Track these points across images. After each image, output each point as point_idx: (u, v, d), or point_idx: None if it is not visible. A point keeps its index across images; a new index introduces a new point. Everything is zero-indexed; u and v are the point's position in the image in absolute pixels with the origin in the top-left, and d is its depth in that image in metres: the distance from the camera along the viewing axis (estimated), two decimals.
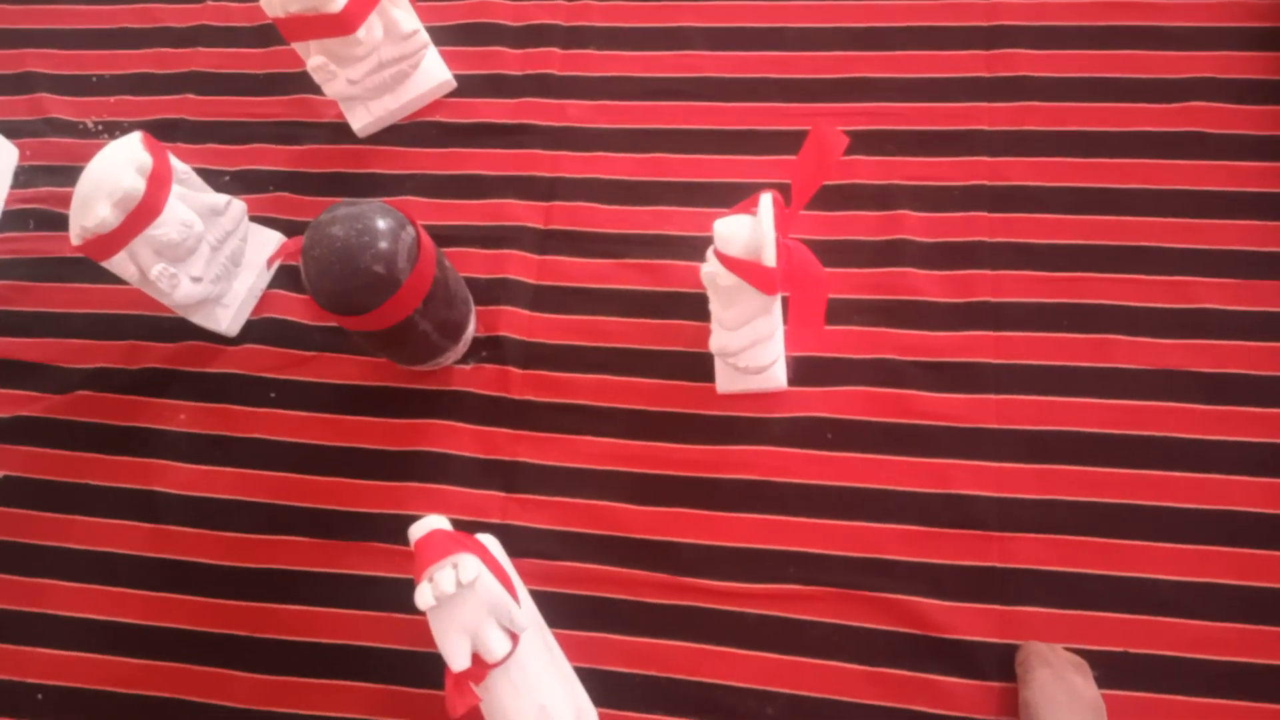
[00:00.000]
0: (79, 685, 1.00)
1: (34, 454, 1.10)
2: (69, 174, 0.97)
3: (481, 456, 1.04)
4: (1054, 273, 1.03)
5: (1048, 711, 0.82)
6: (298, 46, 1.08)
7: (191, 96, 1.25)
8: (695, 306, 1.05)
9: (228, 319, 1.09)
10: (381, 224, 0.86)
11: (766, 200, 0.84)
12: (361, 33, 1.05)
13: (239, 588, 1.02)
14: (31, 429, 1.11)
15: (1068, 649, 0.89)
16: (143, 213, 0.95)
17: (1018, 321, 1.01)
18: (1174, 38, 1.11)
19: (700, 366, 1.03)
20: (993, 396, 0.99)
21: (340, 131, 1.19)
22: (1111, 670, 0.88)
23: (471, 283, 1.08)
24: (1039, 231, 1.05)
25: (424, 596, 0.78)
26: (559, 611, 0.95)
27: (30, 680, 1.01)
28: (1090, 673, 0.87)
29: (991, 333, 1.01)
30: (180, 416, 1.09)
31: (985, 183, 1.07)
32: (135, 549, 1.04)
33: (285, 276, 1.14)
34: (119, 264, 0.99)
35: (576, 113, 1.17)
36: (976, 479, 0.96)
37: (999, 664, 0.90)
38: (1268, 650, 0.88)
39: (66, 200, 0.96)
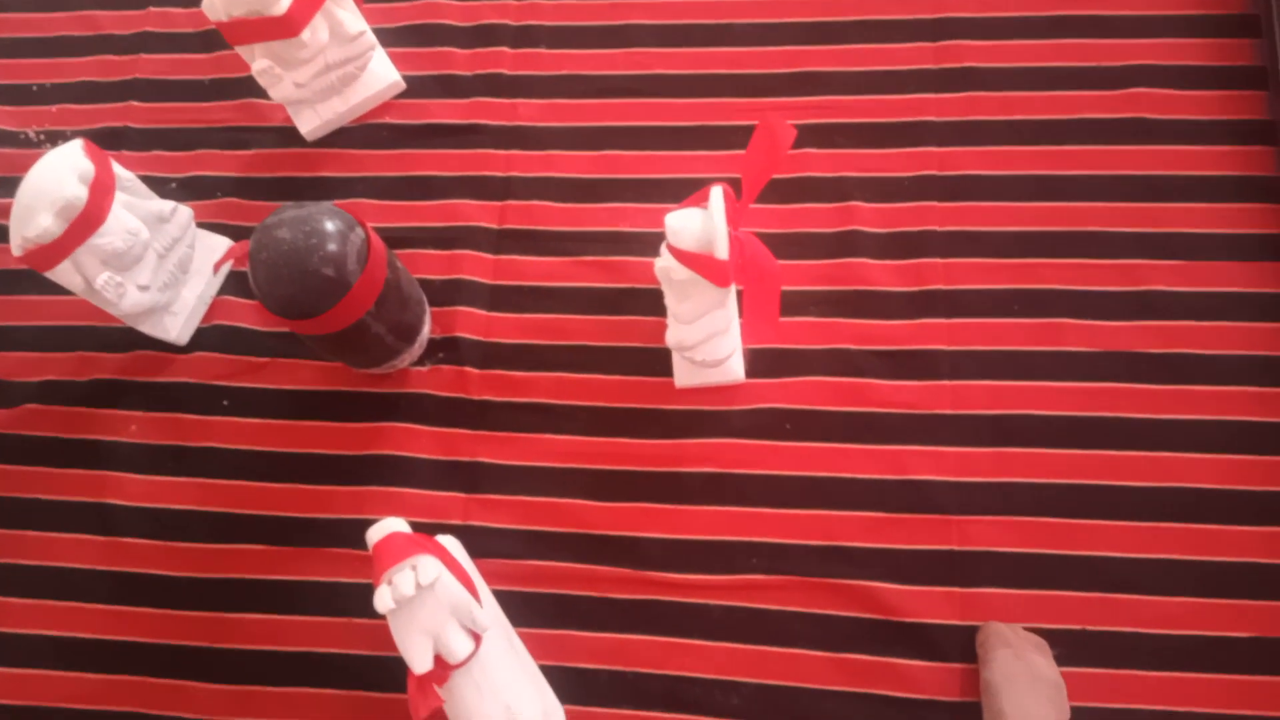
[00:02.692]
0: (36, 703, 0.98)
1: None
2: (9, 185, 0.95)
3: (441, 458, 1.03)
4: (1005, 259, 1.04)
5: (1008, 691, 0.83)
6: (242, 51, 1.07)
7: (136, 104, 1.23)
8: (652, 302, 1.05)
9: (177, 327, 1.08)
10: (329, 226, 0.85)
11: (717, 193, 0.84)
12: (306, 35, 1.04)
13: (197, 598, 1.00)
14: None
15: (1027, 629, 0.90)
16: (86, 221, 0.94)
17: (970, 308, 1.02)
18: (1117, 26, 1.12)
19: (658, 362, 1.03)
20: (948, 383, 1.00)
21: (289, 136, 1.18)
22: (1071, 648, 0.90)
23: (426, 284, 1.08)
24: (989, 219, 1.06)
25: (383, 600, 0.77)
26: (523, 610, 0.95)
27: None
28: (1050, 652, 0.88)
29: (945, 320, 1.02)
30: (131, 427, 1.07)
31: (935, 173, 1.08)
32: (89, 563, 1.03)
33: (235, 283, 1.13)
34: (63, 274, 0.97)
35: (528, 112, 1.17)
36: (934, 464, 0.97)
37: (960, 646, 0.91)
38: (1224, 623, 0.90)
39: (7, 212, 0.95)
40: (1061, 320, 1.01)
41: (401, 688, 0.84)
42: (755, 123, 0.83)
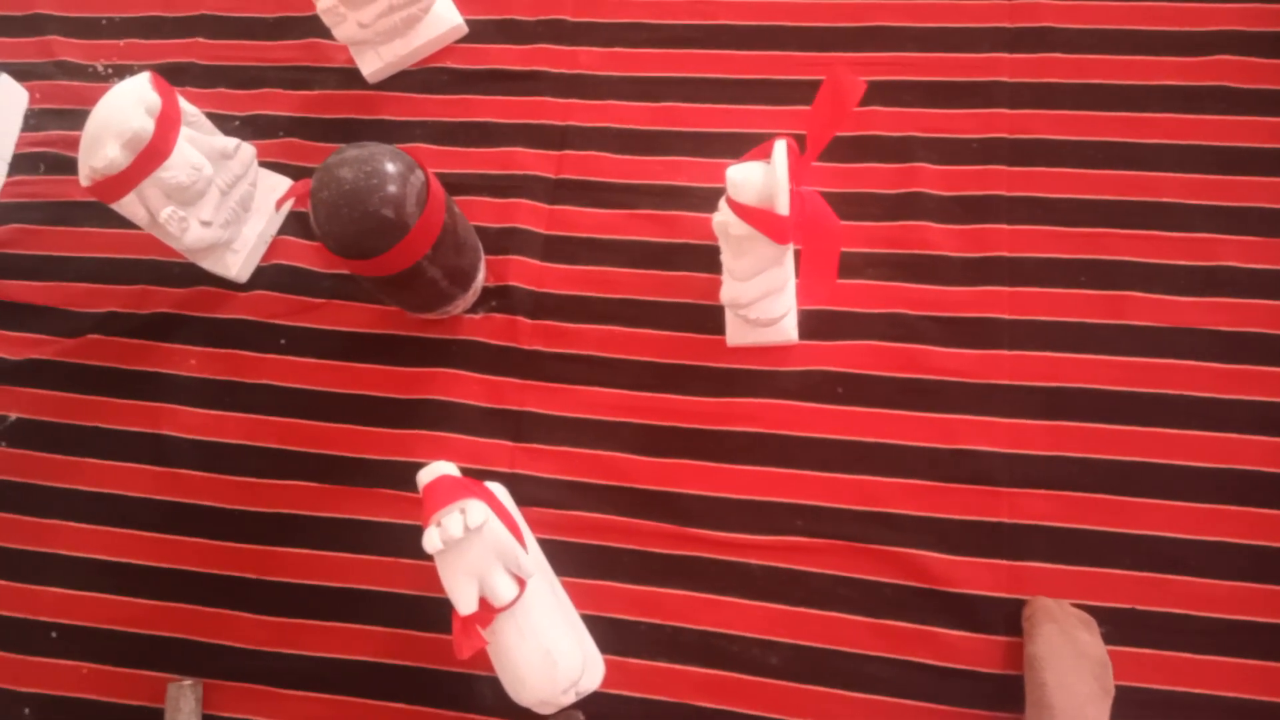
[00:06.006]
0: (90, 624, 1.01)
1: (44, 396, 1.10)
2: (79, 117, 0.96)
3: (489, 405, 1.03)
4: (1072, 228, 1.01)
5: (1053, 667, 0.82)
6: None
7: (201, 40, 1.24)
8: (706, 258, 1.04)
9: (238, 264, 1.09)
10: (390, 167, 0.85)
11: (781, 146, 0.83)
12: None
13: (246, 531, 1.02)
14: (42, 371, 1.11)
15: (1075, 605, 0.89)
16: (152, 154, 0.95)
17: (1033, 277, 1.00)
18: None
19: (710, 319, 1.02)
20: (1006, 352, 0.98)
21: (350, 77, 1.18)
22: (1119, 627, 0.88)
23: (481, 231, 1.07)
24: (1058, 186, 1.03)
25: (432, 540, 0.78)
26: (566, 560, 0.96)
27: (43, 619, 1.02)
28: (1097, 629, 0.87)
29: (1007, 288, 1.00)
30: (190, 361, 1.09)
31: (1004, 135, 1.05)
32: (144, 491, 1.05)
33: (295, 223, 1.13)
34: (128, 206, 0.98)
35: (589, 60, 1.16)
36: (987, 435, 0.96)
37: (1005, 619, 0.90)
38: (1275, 610, 0.88)
39: (76, 144, 0.96)
40: (1126, 293, 0.98)
41: (444, 628, 0.85)
42: (819, 78, 0.81)
